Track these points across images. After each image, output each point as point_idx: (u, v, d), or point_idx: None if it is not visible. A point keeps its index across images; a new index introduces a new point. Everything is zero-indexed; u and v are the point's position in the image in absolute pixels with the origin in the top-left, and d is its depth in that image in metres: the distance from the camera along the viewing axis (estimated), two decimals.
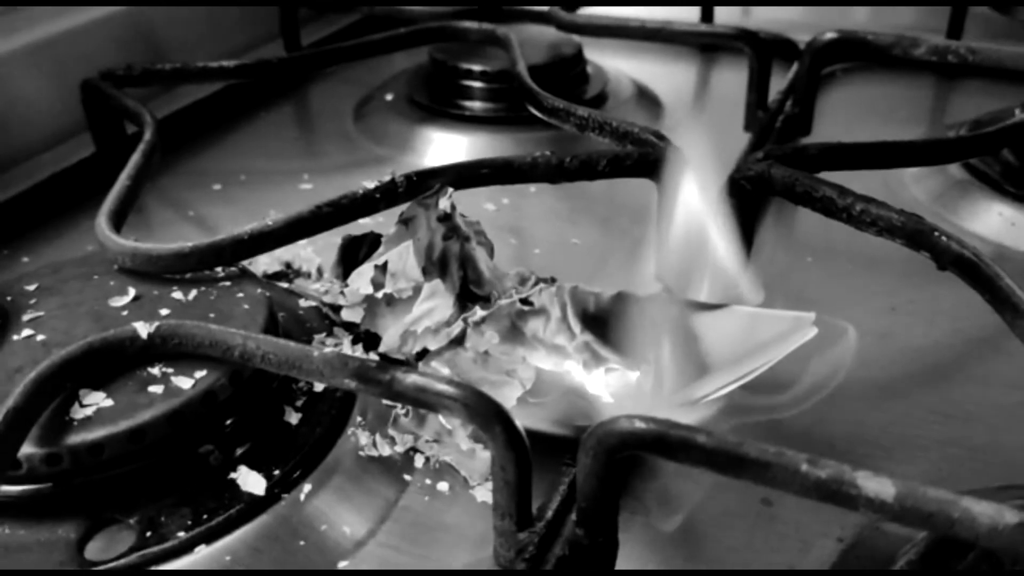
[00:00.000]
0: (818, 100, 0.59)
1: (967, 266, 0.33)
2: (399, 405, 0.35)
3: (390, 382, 0.29)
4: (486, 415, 0.28)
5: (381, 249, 0.36)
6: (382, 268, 0.36)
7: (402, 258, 0.35)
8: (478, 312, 0.32)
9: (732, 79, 0.64)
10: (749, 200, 0.41)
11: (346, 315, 0.38)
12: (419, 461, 0.34)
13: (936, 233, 0.34)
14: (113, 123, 0.53)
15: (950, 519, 0.23)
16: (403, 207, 0.38)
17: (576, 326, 0.31)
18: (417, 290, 0.35)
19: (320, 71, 0.69)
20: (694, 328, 0.31)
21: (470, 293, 0.34)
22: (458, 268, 0.34)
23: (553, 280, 0.39)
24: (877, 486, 0.24)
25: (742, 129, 0.58)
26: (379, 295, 0.36)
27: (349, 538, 0.31)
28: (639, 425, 0.26)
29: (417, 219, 0.35)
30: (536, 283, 0.38)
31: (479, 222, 0.38)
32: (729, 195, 0.41)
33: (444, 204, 0.35)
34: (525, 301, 0.32)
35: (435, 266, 0.34)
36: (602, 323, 0.31)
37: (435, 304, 0.34)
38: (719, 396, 0.30)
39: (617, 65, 0.66)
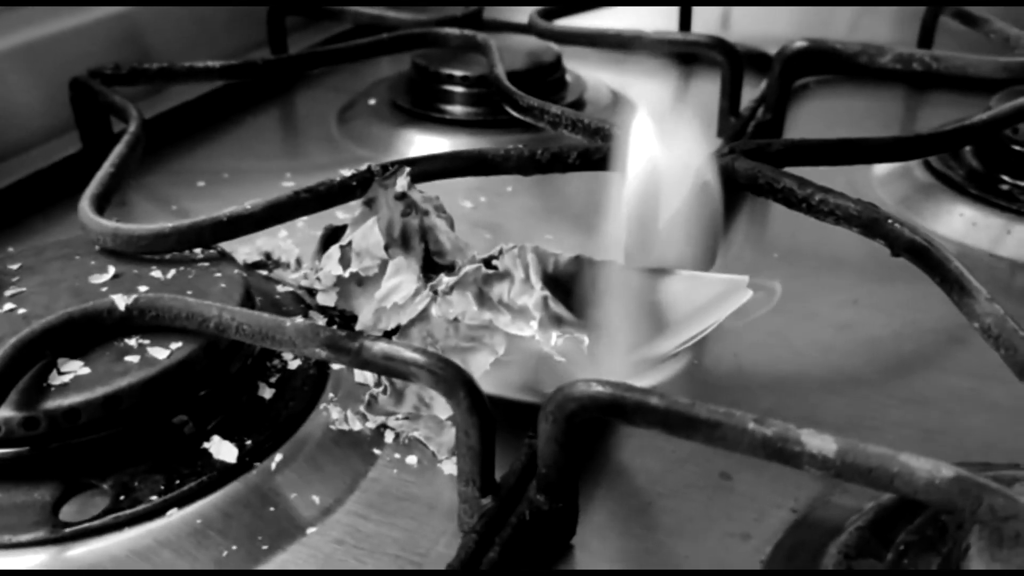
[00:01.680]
0: (791, 111, 0.61)
1: (918, 251, 0.34)
2: (374, 385, 0.36)
3: (359, 350, 0.30)
4: (451, 381, 0.29)
5: (348, 230, 0.37)
6: (347, 247, 0.37)
7: (366, 237, 0.36)
8: (444, 280, 0.33)
9: (707, 89, 0.66)
10: None
11: (321, 299, 0.39)
12: (389, 436, 0.35)
13: (890, 221, 0.35)
14: (100, 120, 0.55)
15: (889, 473, 0.24)
16: None
17: (537, 283, 0.32)
18: (383, 267, 0.36)
19: (305, 75, 0.71)
20: (641, 292, 0.32)
21: (435, 264, 0.36)
22: (420, 241, 0.35)
23: None
24: (820, 443, 0.25)
25: (715, 135, 0.60)
26: (347, 275, 0.37)
27: (318, 506, 0.32)
28: (596, 389, 0.27)
29: (378, 199, 0.36)
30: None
31: (437, 197, 0.39)
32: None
33: (401, 182, 0.36)
34: (489, 265, 0.33)
35: (397, 242, 0.36)
36: (559, 284, 0.32)
37: (400, 280, 0.35)
38: (665, 358, 0.31)
39: (596, 75, 0.68)
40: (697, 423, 0.26)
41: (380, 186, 0.37)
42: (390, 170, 0.37)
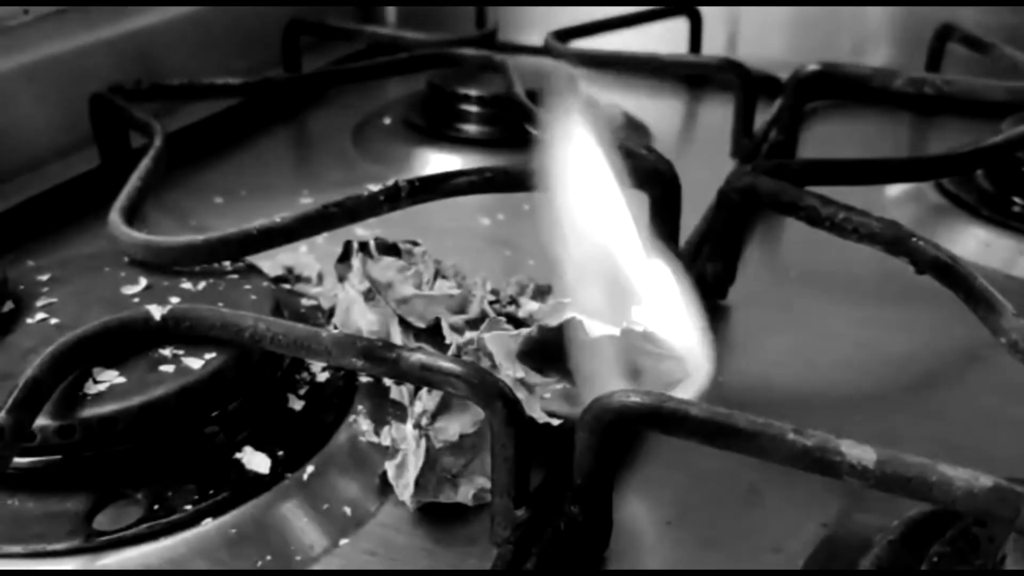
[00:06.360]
0: (802, 135, 0.61)
1: (943, 268, 0.35)
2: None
3: (396, 360, 0.30)
4: (487, 391, 0.29)
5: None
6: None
7: (345, 324, 0.37)
8: (419, 407, 0.33)
9: (718, 111, 0.67)
10: (737, 213, 0.42)
11: None
12: None
13: (913, 239, 0.36)
14: (119, 135, 0.55)
15: (928, 483, 0.25)
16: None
17: (508, 368, 0.32)
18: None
19: (320, 95, 0.71)
20: (592, 351, 0.32)
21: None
22: (393, 315, 0.35)
23: (550, 288, 0.41)
24: (860, 453, 0.25)
25: (729, 156, 0.60)
26: None
27: (351, 517, 0.32)
28: (634, 399, 0.27)
29: (347, 280, 0.37)
30: (535, 290, 0.40)
31: (396, 247, 0.39)
32: (719, 208, 0.43)
33: (356, 265, 0.36)
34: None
35: (377, 321, 0.36)
36: (531, 355, 0.33)
37: None
38: None
39: (609, 96, 0.69)
40: (736, 433, 0.26)
41: (340, 269, 0.37)
42: (345, 249, 0.37)
